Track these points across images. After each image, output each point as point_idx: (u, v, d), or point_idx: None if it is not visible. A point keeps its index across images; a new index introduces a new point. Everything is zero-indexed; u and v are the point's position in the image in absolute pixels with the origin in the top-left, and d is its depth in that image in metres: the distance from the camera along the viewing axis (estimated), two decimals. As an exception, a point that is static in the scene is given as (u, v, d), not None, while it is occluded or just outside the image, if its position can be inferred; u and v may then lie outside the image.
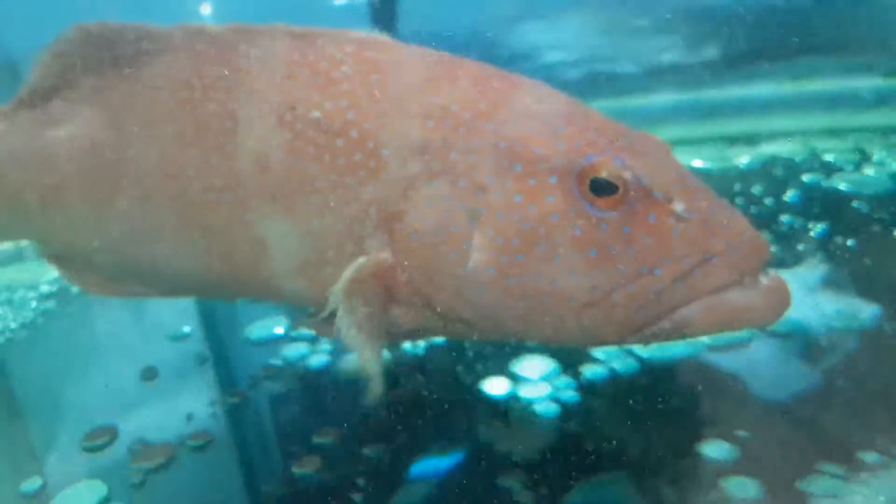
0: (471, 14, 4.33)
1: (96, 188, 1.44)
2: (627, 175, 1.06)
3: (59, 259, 1.63)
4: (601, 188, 1.07)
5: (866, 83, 3.70)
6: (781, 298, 1.06)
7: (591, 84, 4.43)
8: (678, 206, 1.06)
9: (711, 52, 4.17)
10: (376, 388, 1.21)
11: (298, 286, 1.33)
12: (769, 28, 3.97)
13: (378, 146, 1.20)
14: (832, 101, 3.70)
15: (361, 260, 1.20)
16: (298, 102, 1.24)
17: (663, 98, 4.25)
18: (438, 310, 1.21)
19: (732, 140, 3.62)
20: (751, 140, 3.55)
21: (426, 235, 1.16)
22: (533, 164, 1.11)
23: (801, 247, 2.26)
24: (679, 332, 1.09)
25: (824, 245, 2.26)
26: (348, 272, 1.19)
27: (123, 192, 1.41)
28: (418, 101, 1.19)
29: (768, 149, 3.39)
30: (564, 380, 1.69)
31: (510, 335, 1.23)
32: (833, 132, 3.36)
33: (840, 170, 2.90)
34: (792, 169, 3.02)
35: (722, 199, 1.09)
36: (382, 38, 1.30)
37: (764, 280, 1.06)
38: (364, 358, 1.20)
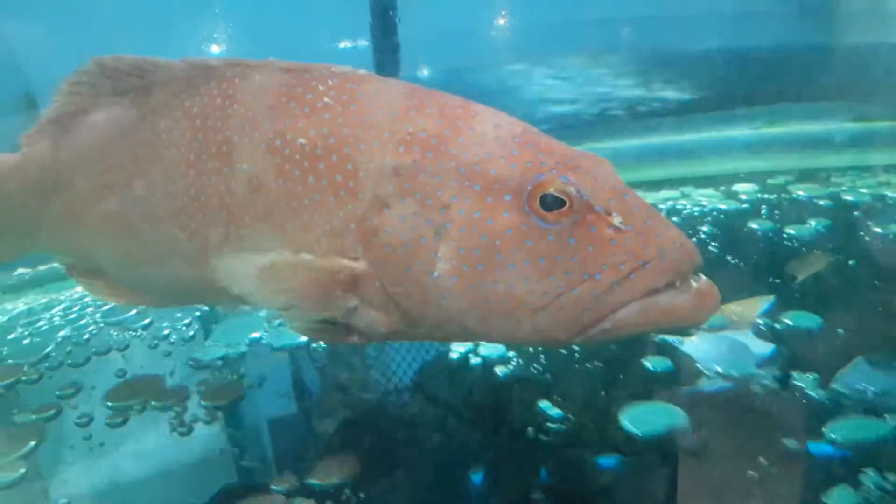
0: (468, 58, 4.53)
1: (110, 209, 1.59)
2: (571, 191, 1.19)
3: (78, 271, 1.78)
4: (548, 203, 1.20)
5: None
6: (709, 299, 1.18)
7: (584, 125, 4.61)
8: (616, 219, 1.19)
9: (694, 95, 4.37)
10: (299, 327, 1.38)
11: None
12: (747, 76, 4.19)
13: (356, 168, 1.33)
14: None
15: (307, 257, 1.35)
16: (286, 129, 1.39)
17: (649, 140, 4.42)
18: (409, 314, 1.34)
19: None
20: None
21: (398, 247, 1.28)
22: (490, 183, 1.25)
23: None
24: (619, 332, 1.21)
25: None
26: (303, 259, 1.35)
27: (134, 211, 1.56)
28: (391, 128, 1.33)
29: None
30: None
31: (473, 336, 1.34)
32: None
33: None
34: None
35: (656, 211, 1.23)
36: (362, 72, 1.45)
37: (694, 284, 1.19)
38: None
